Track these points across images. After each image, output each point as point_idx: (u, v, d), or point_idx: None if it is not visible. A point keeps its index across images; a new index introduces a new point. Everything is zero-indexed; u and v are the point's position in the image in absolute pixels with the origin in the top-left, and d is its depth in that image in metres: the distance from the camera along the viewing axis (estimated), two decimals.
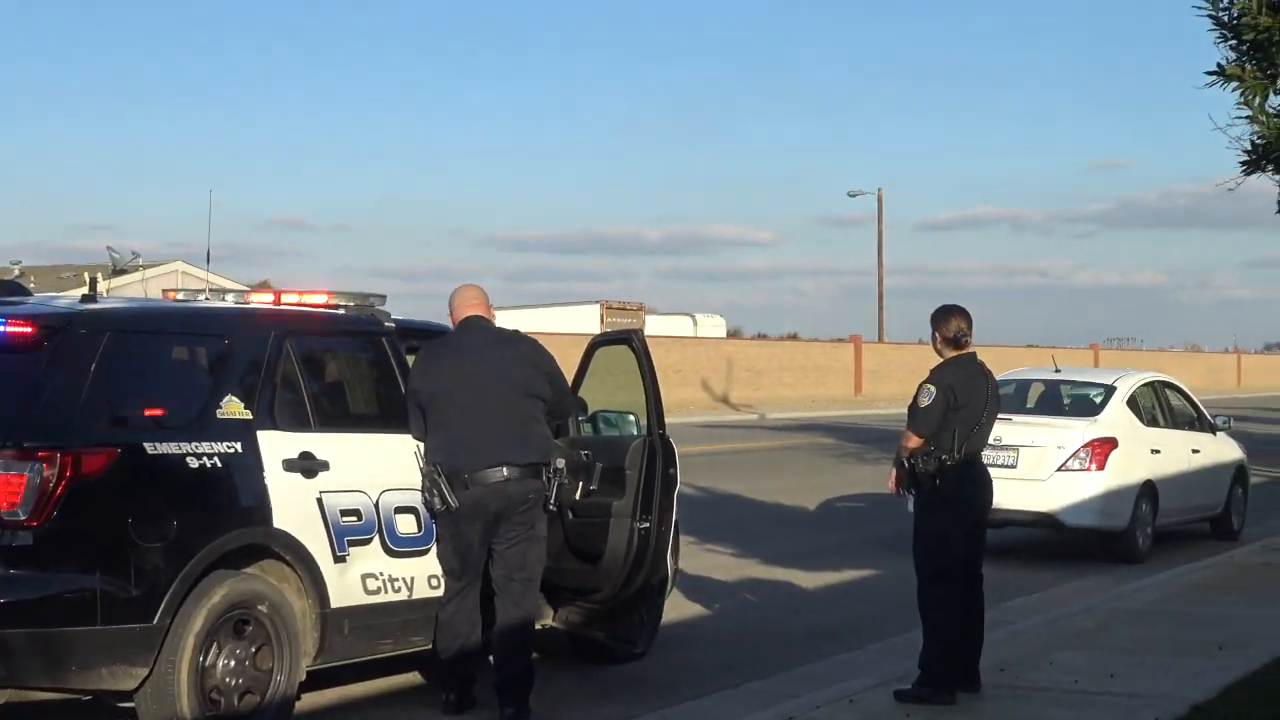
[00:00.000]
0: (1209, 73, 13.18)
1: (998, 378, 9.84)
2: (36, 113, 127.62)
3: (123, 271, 13.91)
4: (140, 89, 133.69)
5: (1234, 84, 12.96)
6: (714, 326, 72.43)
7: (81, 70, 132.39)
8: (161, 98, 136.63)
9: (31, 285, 10.01)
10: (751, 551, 16.44)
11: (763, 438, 38.33)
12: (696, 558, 15.30)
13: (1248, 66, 12.89)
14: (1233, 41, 12.87)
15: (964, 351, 9.36)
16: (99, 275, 9.37)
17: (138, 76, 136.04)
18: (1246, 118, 13.19)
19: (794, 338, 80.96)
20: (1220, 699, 8.96)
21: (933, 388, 9.17)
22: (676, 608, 12.18)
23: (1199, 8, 13.07)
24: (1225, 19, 12.75)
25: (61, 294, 10.24)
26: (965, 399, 9.15)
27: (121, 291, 10.47)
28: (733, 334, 76.02)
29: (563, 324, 53.34)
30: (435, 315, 10.39)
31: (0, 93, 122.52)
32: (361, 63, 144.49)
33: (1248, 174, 13.62)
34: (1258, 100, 13.03)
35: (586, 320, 60.35)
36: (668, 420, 10.27)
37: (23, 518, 7.38)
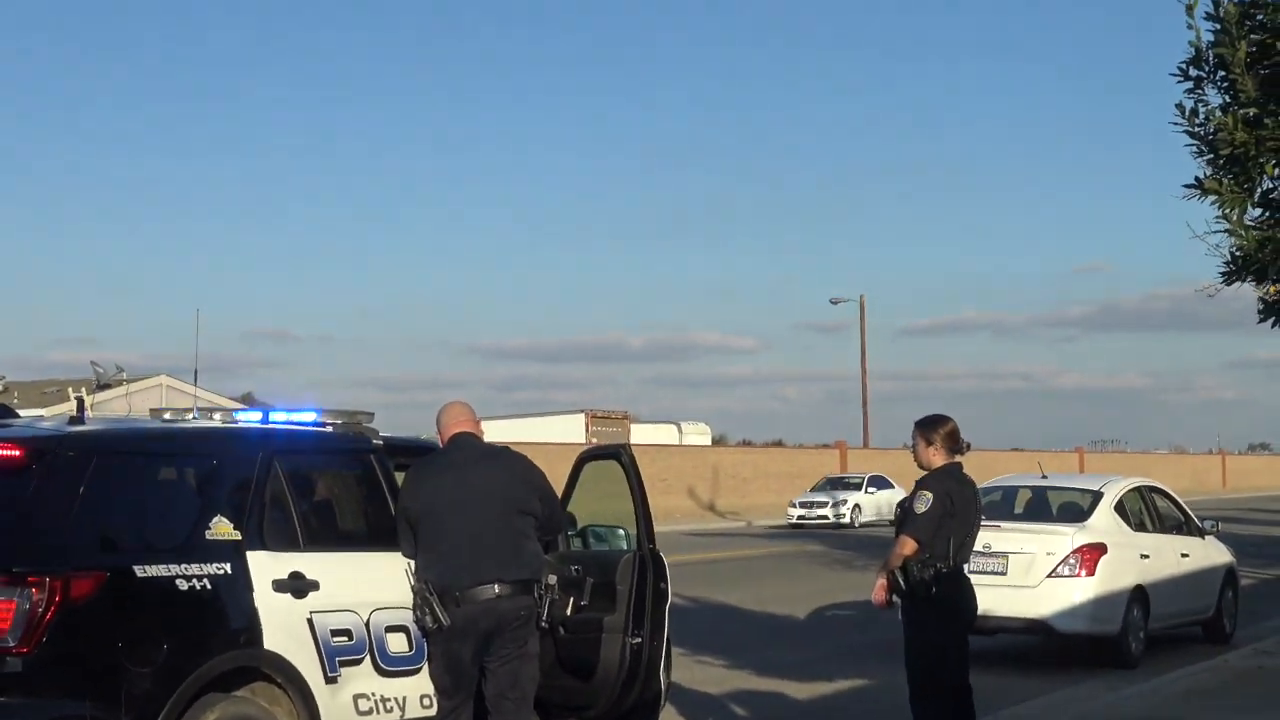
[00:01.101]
0: (1187, 185, 13.30)
1: (985, 483, 9.87)
2: (14, 224, 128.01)
3: (107, 386, 13.90)
4: (119, 202, 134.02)
5: (1212, 197, 13.08)
6: (699, 434, 72.61)
7: (59, 179, 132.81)
8: (140, 210, 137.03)
9: (15, 401, 10.00)
10: (743, 662, 16.35)
11: (750, 545, 38.24)
12: (688, 670, 15.21)
13: (1225, 180, 13.01)
14: (1209, 156, 13.01)
15: (953, 460, 9.39)
16: (84, 392, 9.37)
17: (116, 189, 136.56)
18: (1225, 230, 13.31)
19: (779, 444, 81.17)
20: None
21: (929, 494, 9.18)
22: None
23: (1175, 123, 13.23)
24: (1201, 133, 12.89)
25: (47, 412, 10.24)
26: (960, 506, 9.16)
27: (106, 406, 10.48)
28: (717, 441, 76.17)
29: (548, 433, 53.47)
30: (420, 426, 10.40)
31: None
32: (344, 170, 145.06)
33: (1227, 284, 13.72)
34: (1236, 214, 13.14)
35: (572, 429, 60.49)
36: (655, 529, 10.25)
37: (12, 644, 7.31)
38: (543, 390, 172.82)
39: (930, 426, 9.43)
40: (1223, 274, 13.67)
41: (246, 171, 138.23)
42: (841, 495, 51.03)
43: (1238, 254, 13.41)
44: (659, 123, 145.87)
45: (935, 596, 9.04)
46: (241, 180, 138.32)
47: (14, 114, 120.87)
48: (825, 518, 49.44)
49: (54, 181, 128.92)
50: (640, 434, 63.34)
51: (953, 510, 9.12)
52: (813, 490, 53.14)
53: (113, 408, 12.82)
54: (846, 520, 49.34)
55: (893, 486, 51.48)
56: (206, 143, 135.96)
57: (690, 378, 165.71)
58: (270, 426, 9.38)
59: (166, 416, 9.62)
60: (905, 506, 9.35)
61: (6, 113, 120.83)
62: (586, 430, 61.52)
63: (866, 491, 52.00)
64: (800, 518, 49.92)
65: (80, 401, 8.81)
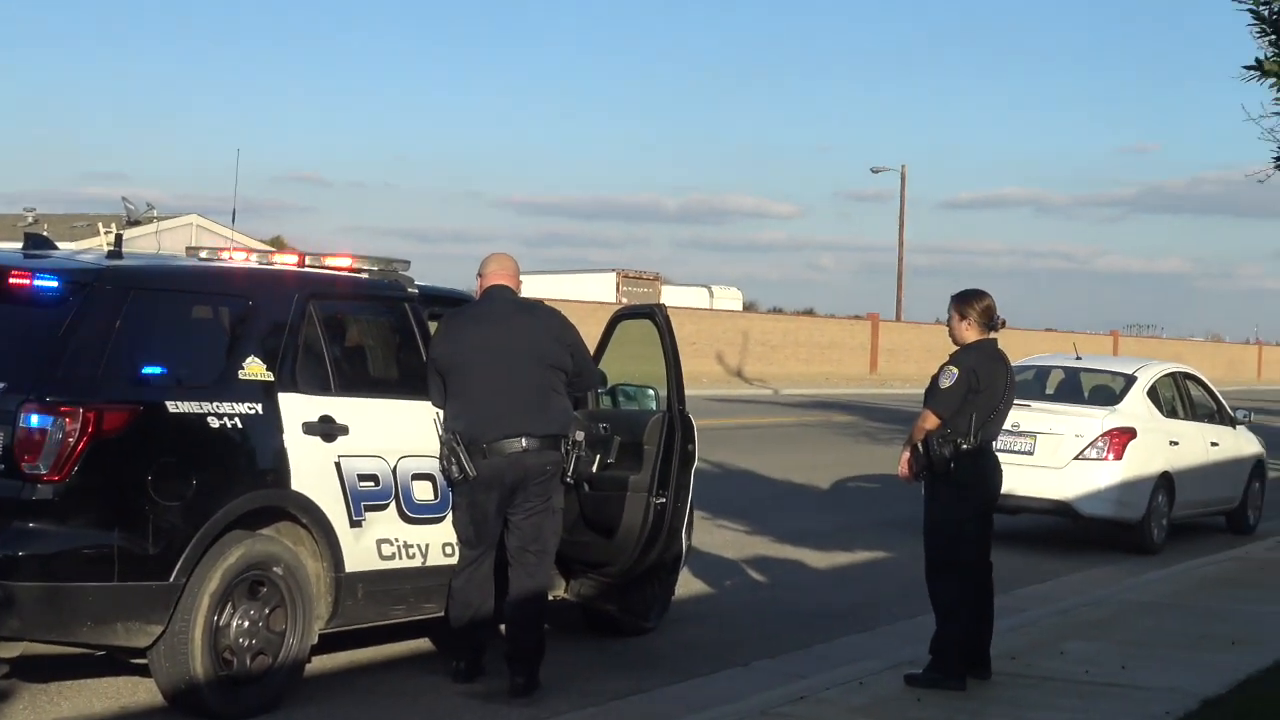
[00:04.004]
0: (1246, 67, 13.10)
1: (1018, 362, 9.80)
2: (46, 56, 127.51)
3: (137, 223, 13.87)
4: (153, 34, 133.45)
5: (1271, 80, 12.89)
6: (730, 299, 72.37)
7: (96, 13, 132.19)
8: (176, 44, 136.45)
9: (45, 233, 9.99)
10: (762, 529, 16.44)
11: (776, 413, 38.32)
12: (707, 534, 15.29)
13: None
14: (1272, 36, 12.79)
15: (986, 336, 9.33)
16: (113, 228, 9.35)
17: (152, 21, 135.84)
18: None
19: (810, 313, 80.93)
20: (1232, 694, 8.95)
21: (955, 369, 9.12)
22: (686, 584, 12.17)
23: (1239, 0, 12.98)
24: (1265, 14, 12.66)
25: (84, 247, 10.23)
26: (986, 383, 9.10)
27: (136, 244, 10.44)
28: (748, 307, 75.97)
29: (578, 291, 53.36)
30: (449, 278, 10.38)
31: (10, 36, 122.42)
32: (383, 18, 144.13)
33: None
34: None
35: (602, 288, 60.37)
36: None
37: (43, 472, 7.39)
38: (575, 248, 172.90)
39: (966, 301, 9.35)
40: (1276, 159, 13.52)
41: (283, 11, 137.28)
42: None
43: None
44: None
45: (955, 472, 9.02)
46: (279, 21, 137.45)
47: None
48: None
49: (85, 9, 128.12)
50: (671, 296, 63.09)
51: (978, 387, 9.06)
52: None
53: (142, 244, 12.81)
54: None
55: None
56: None
57: (724, 242, 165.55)
58: (307, 270, 9.37)
59: (203, 255, 9.60)
60: (933, 380, 9.30)
61: None
62: (617, 290, 61.38)
63: None
64: None
65: (119, 237, 8.80)
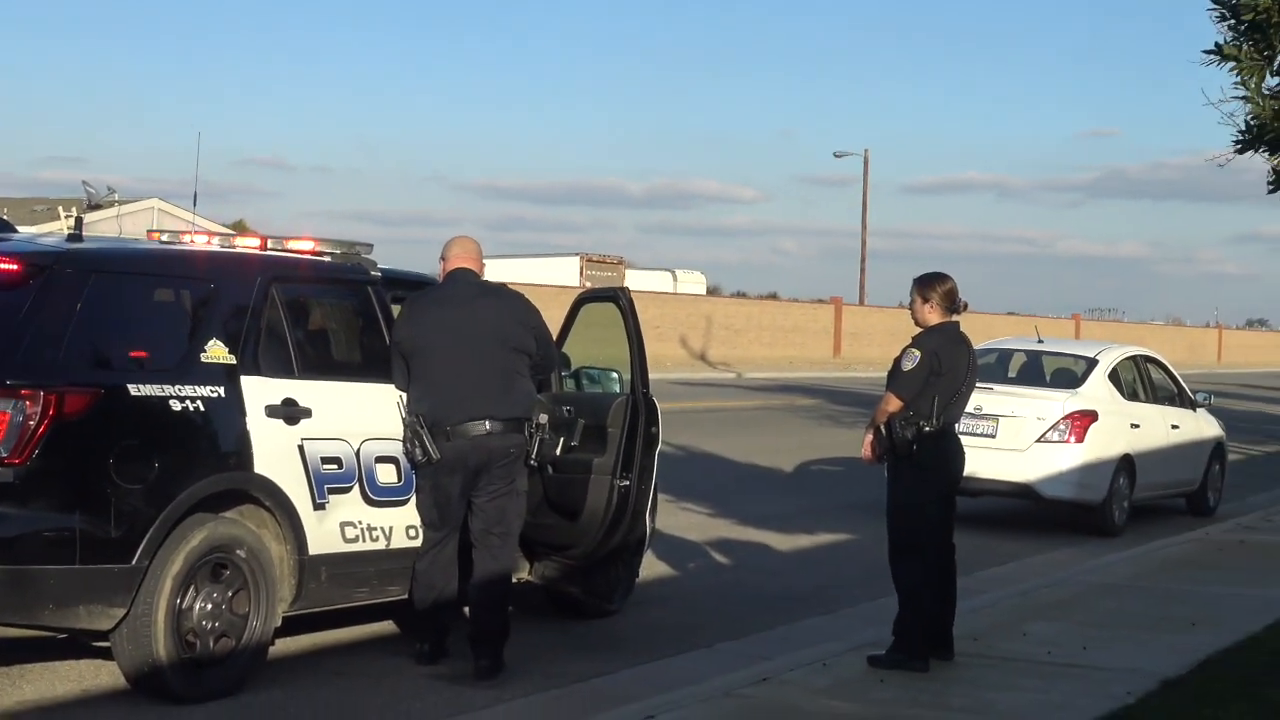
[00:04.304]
0: (1206, 51, 13.20)
1: (980, 345, 9.83)
2: (5, 39, 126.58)
3: (98, 207, 13.79)
4: (115, 18, 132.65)
5: (1231, 64, 12.96)
6: (694, 283, 72.35)
7: None
8: (138, 28, 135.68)
9: (5, 216, 9.94)
10: (726, 512, 16.47)
11: (740, 397, 38.35)
12: (671, 517, 15.31)
13: (1245, 47, 12.90)
14: (1231, 21, 12.87)
15: (948, 319, 9.36)
16: (74, 211, 9.32)
17: (113, 5, 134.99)
18: (1242, 98, 13.21)
19: (774, 297, 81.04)
20: (1192, 675, 9.01)
21: (917, 352, 9.15)
22: (650, 567, 12.20)
23: None
24: None
25: (45, 230, 10.18)
26: (948, 366, 9.14)
27: (97, 228, 10.41)
28: (712, 291, 75.97)
29: (542, 275, 53.24)
30: (413, 261, 10.37)
31: None
32: (348, 2, 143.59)
33: (1240, 153, 13.65)
34: (1254, 81, 13.05)
35: (566, 272, 60.26)
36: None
37: (4, 455, 7.36)
38: (538, 232, 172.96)
39: (928, 284, 9.38)
40: (1236, 143, 13.62)
41: None
42: None
43: (1253, 122, 13.34)
44: None
45: (917, 455, 9.05)
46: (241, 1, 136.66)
47: None
48: None
49: None
50: (635, 280, 62.99)
51: (940, 369, 9.10)
52: None
53: (103, 229, 12.75)
54: None
55: None
56: None
57: (688, 226, 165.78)
58: (269, 253, 9.35)
59: (164, 239, 9.57)
60: (895, 363, 9.33)
61: None
62: (581, 274, 61.28)
63: None
64: None
65: (79, 220, 8.76)
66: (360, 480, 8.95)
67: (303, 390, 8.69)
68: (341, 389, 9.03)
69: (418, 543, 9.15)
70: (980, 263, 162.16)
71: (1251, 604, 11.45)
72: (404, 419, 8.99)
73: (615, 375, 10.68)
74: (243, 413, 8.33)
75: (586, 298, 10.80)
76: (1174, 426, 17.84)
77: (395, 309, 9.48)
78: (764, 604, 11.73)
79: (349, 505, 8.87)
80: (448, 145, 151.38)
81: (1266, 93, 13.26)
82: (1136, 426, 16.98)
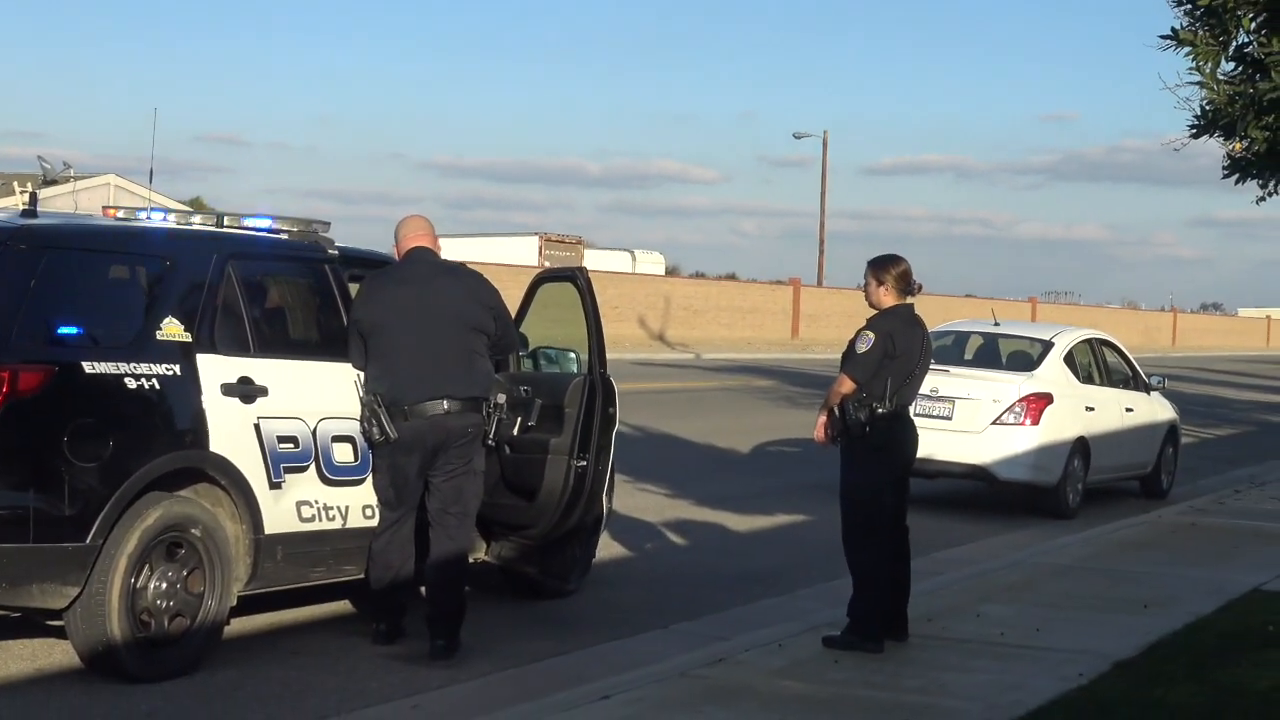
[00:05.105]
0: (1162, 36, 13.27)
1: (937, 327, 9.86)
2: None
3: (53, 182, 13.74)
4: None
5: (1186, 49, 13.04)
6: (653, 263, 72.44)
7: None
8: (94, 2, 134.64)
9: None
10: (683, 493, 16.49)
11: (698, 378, 38.39)
12: (628, 497, 15.32)
13: (1200, 32, 12.97)
14: (1188, 6, 12.96)
15: (903, 301, 9.38)
16: (30, 186, 9.27)
17: None
18: (1197, 83, 13.29)
19: (732, 278, 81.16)
20: (1143, 656, 9.07)
21: (872, 334, 9.18)
22: (607, 547, 12.21)
23: None
24: None
25: None
26: (902, 348, 9.16)
27: (52, 203, 10.34)
28: (671, 271, 76.08)
29: (500, 254, 53.20)
30: (371, 240, 10.35)
31: None
32: None
33: (1195, 138, 13.75)
34: (1209, 66, 13.13)
35: (525, 251, 60.24)
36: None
37: None
38: (497, 211, 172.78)
39: (882, 266, 9.40)
40: (1191, 128, 13.69)
41: None
42: None
43: (1208, 108, 13.42)
44: None
45: (871, 437, 9.08)
46: None
47: None
48: None
49: None
50: (594, 260, 63.05)
51: (894, 352, 9.12)
52: None
53: (59, 204, 12.67)
54: None
55: None
56: None
57: (647, 206, 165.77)
58: (225, 230, 9.30)
59: (119, 215, 9.51)
60: (850, 344, 9.35)
61: None
62: (540, 253, 61.26)
63: None
64: None
65: (34, 195, 8.70)
66: (317, 459, 8.92)
67: (259, 368, 8.66)
68: (298, 368, 9.01)
69: (374, 522, 9.13)
70: (939, 244, 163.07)
71: (1202, 586, 11.53)
72: (361, 398, 8.97)
73: (573, 355, 10.68)
74: (198, 391, 8.29)
75: (544, 277, 10.79)
76: (1128, 410, 17.94)
77: (353, 288, 9.45)
78: (721, 584, 11.75)
79: (305, 484, 8.85)
80: (408, 124, 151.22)
81: (1221, 78, 13.35)
82: (1091, 409, 17.08)
